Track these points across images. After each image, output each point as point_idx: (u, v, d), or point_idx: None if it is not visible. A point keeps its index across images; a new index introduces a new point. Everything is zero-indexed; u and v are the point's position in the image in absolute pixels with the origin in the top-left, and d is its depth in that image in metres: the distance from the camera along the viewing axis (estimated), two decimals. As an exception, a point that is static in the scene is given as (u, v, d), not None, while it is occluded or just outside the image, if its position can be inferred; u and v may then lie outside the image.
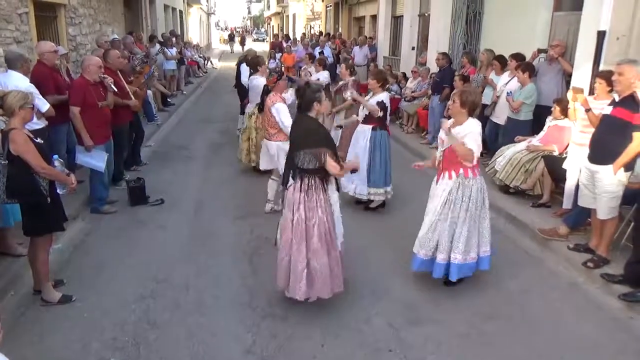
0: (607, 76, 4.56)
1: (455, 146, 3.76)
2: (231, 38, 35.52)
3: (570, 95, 5.23)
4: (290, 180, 3.61)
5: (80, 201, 5.63)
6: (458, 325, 3.63)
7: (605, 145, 4.09)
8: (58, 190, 3.79)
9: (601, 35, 5.56)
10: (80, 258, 4.57)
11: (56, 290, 3.86)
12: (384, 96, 5.48)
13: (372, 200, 5.82)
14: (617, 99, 4.14)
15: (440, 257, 3.94)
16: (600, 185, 4.18)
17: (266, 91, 5.54)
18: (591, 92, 5.26)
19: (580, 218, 4.80)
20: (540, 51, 6.79)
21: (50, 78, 5.35)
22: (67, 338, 3.39)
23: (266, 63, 8.00)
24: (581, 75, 5.88)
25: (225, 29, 60.99)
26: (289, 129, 4.99)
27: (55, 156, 3.81)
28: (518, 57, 6.79)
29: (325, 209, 3.55)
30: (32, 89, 4.67)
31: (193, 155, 8.24)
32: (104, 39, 8.48)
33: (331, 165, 3.45)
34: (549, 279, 4.38)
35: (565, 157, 5.38)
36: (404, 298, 3.98)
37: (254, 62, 6.74)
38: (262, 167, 5.81)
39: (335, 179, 3.70)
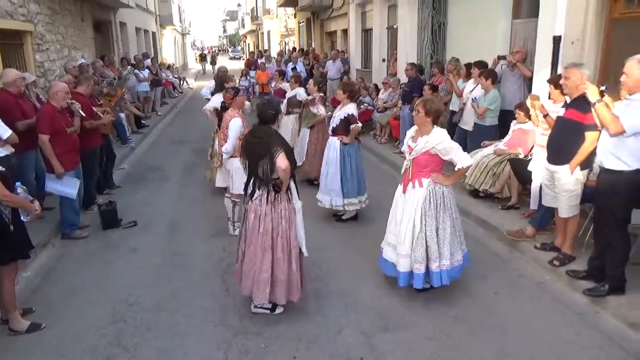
0: (555, 80, 4.78)
1: (444, 179, 3.89)
2: (203, 58, 35.44)
3: (529, 102, 5.40)
4: (257, 192, 3.66)
5: (51, 227, 5.57)
6: (428, 330, 3.68)
7: (561, 145, 4.23)
8: (22, 218, 3.77)
9: (557, 40, 5.78)
10: (50, 285, 4.51)
11: (25, 318, 3.79)
12: (351, 109, 5.57)
13: (345, 212, 5.88)
14: (568, 101, 4.29)
15: (434, 266, 3.94)
16: (559, 185, 4.31)
17: (224, 108, 5.56)
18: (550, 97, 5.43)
19: (545, 218, 4.93)
20: (500, 58, 7.00)
21: (15, 106, 5.29)
22: (35, 367, 3.35)
23: (235, 80, 8.00)
24: (541, 79, 6.06)
25: (202, 48, 60.98)
26: (231, 148, 5.03)
27: (18, 183, 3.77)
28: (480, 64, 6.98)
29: (289, 219, 3.64)
30: None
31: (167, 176, 8.21)
32: (71, 64, 8.46)
33: (281, 160, 3.45)
34: (518, 280, 4.47)
35: (531, 159, 5.52)
36: (376, 306, 4.01)
37: (220, 79, 6.77)
38: (217, 184, 5.78)
39: (297, 188, 3.75)
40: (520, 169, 5.67)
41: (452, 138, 4.09)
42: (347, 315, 3.88)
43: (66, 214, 5.48)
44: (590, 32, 5.52)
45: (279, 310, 3.86)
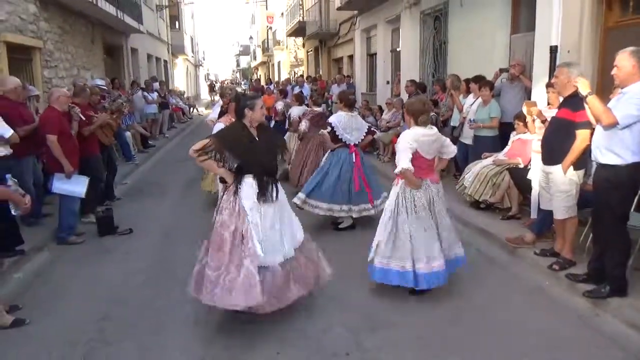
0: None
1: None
2: (212, 89, 36.67)
3: (525, 109, 5.37)
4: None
5: (46, 233, 5.58)
6: (419, 330, 3.54)
7: (553, 145, 4.17)
8: (12, 212, 3.76)
9: (553, 50, 5.80)
10: (41, 285, 4.47)
11: (11, 315, 3.74)
12: (332, 118, 5.74)
13: (342, 221, 5.83)
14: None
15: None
16: (553, 186, 4.21)
17: (222, 113, 5.62)
18: (548, 103, 5.40)
19: (544, 223, 4.81)
20: (502, 70, 7.03)
21: (15, 112, 5.34)
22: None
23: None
24: (540, 89, 6.06)
25: (216, 82, 62.28)
26: None
27: (8, 175, 3.79)
28: (478, 79, 6.99)
29: (231, 214, 3.53)
30: None
31: (167, 190, 8.22)
32: (81, 80, 8.65)
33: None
34: (515, 284, 4.32)
35: (530, 169, 5.44)
36: (365, 307, 3.90)
37: (221, 90, 6.90)
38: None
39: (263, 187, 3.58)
40: (520, 178, 5.57)
41: None
42: (335, 315, 3.76)
43: (66, 215, 5.48)
44: (585, 41, 5.54)
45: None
